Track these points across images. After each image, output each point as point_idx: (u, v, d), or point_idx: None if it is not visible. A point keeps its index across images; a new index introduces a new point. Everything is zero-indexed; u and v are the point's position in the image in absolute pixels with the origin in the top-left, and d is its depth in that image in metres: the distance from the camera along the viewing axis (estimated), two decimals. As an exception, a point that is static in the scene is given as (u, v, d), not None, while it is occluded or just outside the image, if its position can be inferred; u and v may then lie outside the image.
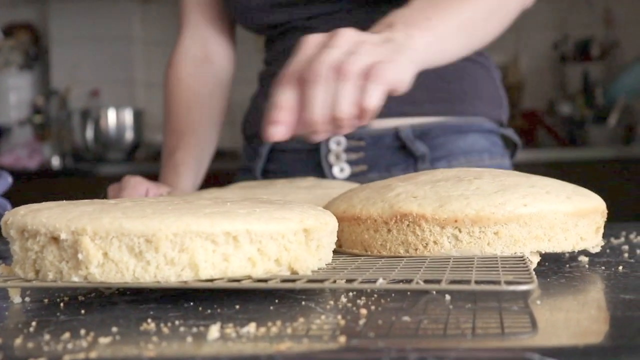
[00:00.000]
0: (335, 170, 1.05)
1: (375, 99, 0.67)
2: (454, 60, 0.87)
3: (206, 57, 1.20)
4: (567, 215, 0.62)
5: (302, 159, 1.08)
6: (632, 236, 0.81)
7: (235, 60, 1.24)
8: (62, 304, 0.53)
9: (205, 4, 1.19)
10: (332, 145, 1.05)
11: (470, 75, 1.08)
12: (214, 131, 1.19)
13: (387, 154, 1.05)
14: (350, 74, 0.67)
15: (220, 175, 1.66)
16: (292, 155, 1.10)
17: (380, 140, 1.05)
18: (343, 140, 1.05)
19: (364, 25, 0.78)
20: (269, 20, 1.10)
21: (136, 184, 1.00)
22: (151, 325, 0.45)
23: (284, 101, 0.68)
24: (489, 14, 0.86)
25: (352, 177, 1.04)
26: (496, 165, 1.06)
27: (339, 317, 0.46)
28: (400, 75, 0.71)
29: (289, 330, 0.43)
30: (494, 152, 1.08)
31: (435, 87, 1.05)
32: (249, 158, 1.16)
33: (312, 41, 0.72)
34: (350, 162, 1.05)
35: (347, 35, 0.71)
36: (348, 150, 1.05)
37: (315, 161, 1.06)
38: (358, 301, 0.50)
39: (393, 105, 1.04)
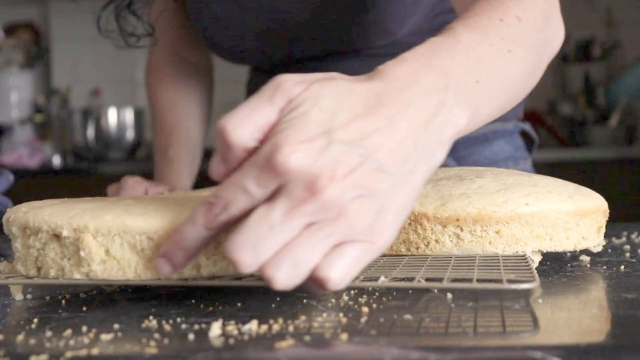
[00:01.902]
0: None
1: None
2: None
3: (182, 58, 1.19)
4: (568, 215, 0.62)
5: None
6: (633, 236, 0.81)
7: (211, 57, 1.23)
8: (63, 301, 0.53)
9: (175, 17, 1.17)
10: None
11: None
12: (202, 123, 1.19)
13: None
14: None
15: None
16: None
17: None
18: None
19: (354, 70, 0.66)
20: (241, 62, 1.08)
21: (135, 184, 1.00)
22: (153, 322, 0.45)
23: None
24: (530, 72, 0.64)
25: None
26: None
27: (341, 315, 0.46)
28: (384, 244, 0.45)
29: (290, 328, 0.43)
30: (518, 157, 1.07)
31: None
32: None
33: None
34: None
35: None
36: None
37: None
38: (359, 299, 0.50)
39: None
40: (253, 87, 1.12)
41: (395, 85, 0.47)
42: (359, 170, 0.43)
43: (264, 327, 0.43)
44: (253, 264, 0.43)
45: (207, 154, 1.21)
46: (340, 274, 0.43)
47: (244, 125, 0.44)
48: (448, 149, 0.49)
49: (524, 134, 1.12)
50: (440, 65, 0.50)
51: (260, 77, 1.10)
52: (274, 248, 0.42)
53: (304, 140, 0.42)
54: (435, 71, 0.49)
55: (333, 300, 0.50)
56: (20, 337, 0.42)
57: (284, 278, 0.42)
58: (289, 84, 0.45)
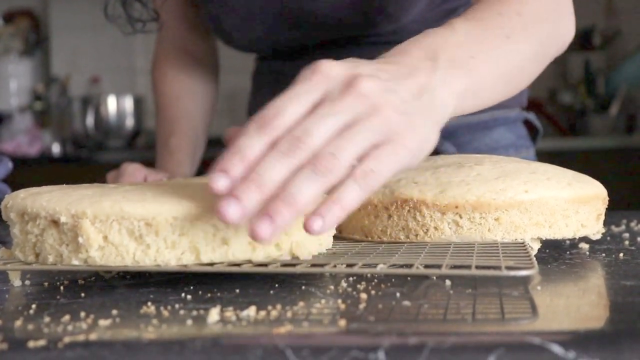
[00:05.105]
0: None
1: (352, 201, 0.48)
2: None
3: (187, 52, 1.20)
4: (568, 202, 0.62)
5: None
6: (632, 224, 0.81)
7: (217, 50, 1.23)
8: (62, 287, 0.53)
9: (180, 9, 1.17)
10: None
11: None
12: (206, 116, 1.19)
13: None
14: (334, 167, 0.47)
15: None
16: None
17: None
18: None
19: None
20: (253, 50, 1.09)
21: (134, 171, 1.00)
22: (151, 308, 0.45)
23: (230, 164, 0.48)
24: (530, 60, 0.66)
25: None
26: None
27: (339, 301, 0.46)
28: (415, 150, 0.50)
29: (289, 314, 0.43)
30: (519, 145, 1.07)
31: None
32: None
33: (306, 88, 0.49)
34: None
35: (366, 90, 0.49)
36: None
37: None
38: (358, 286, 0.50)
39: None
40: (259, 77, 1.12)
41: (394, 57, 0.55)
42: (388, 81, 0.50)
43: (262, 313, 0.43)
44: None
45: (211, 144, 1.21)
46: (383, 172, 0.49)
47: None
48: (450, 111, 0.55)
49: (528, 124, 1.12)
50: (429, 43, 0.56)
51: (266, 66, 1.10)
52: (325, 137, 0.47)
53: (342, 63, 0.50)
54: (423, 48, 0.56)
55: (331, 287, 0.50)
56: (18, 323, 0.42)
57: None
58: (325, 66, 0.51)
